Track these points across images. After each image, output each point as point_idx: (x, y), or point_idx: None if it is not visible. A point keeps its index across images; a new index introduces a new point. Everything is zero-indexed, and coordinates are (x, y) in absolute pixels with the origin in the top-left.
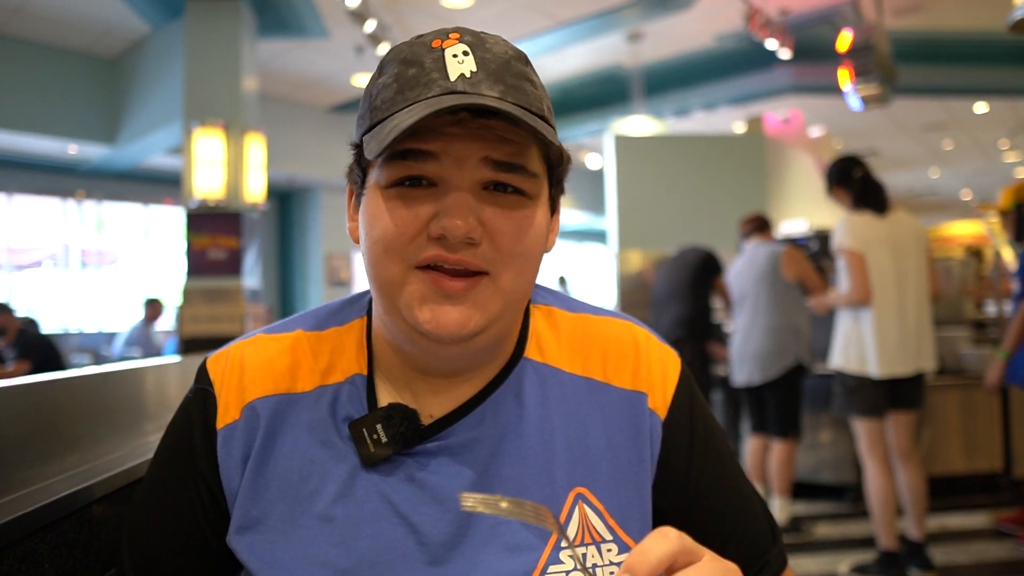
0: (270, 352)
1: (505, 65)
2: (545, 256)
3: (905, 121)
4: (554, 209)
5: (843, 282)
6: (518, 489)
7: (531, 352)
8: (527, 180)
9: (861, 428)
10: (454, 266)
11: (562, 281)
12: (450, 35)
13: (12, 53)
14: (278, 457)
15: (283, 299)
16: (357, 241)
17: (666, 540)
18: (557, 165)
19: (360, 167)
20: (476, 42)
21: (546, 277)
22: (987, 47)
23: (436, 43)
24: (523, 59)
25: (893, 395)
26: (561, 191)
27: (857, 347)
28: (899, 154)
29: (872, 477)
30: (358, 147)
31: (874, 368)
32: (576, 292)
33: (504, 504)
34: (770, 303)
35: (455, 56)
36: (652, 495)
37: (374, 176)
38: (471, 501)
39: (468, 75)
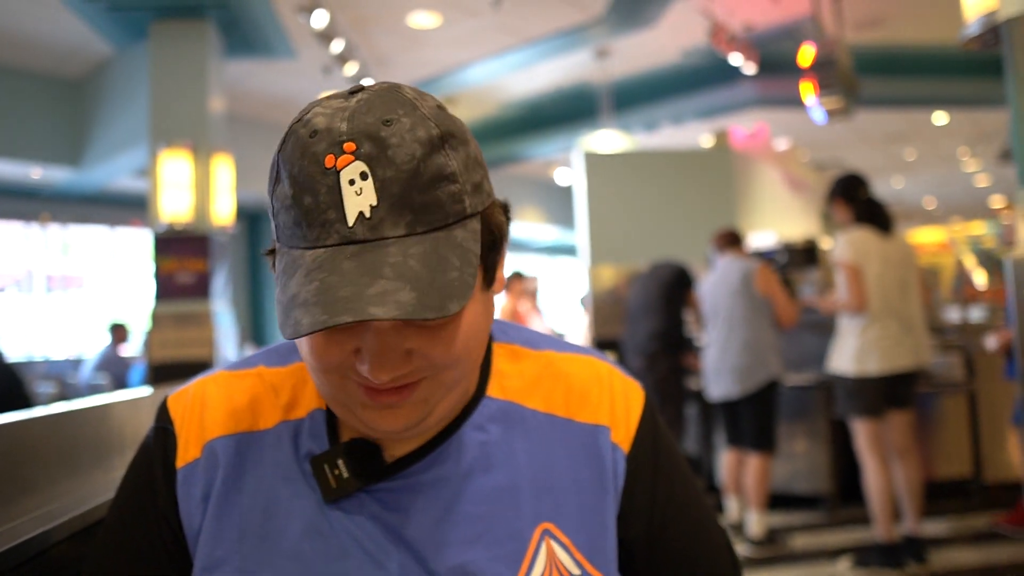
0: (232, 389)
1: (412, 177)
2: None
3: (868, 132)
4: (492, 275)
5: (841, 292)
6: (484, 527)
7: (492, 391)
8: None
9: (860, 428)
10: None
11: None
12: (344, 147)
13: None
14: (241, 496)
15: (254, 322)
16: None
17: None
18: (491, 249)
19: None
20: (375, 152)
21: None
22: (945, 60)
23: (329, 161)
24: (437, 142)
25: (890, 395)
26: (499, 251)
27: (857, 350)
28: (863, 164)
29: (871, 473)
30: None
31: (875, 365)
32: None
33: None
34: (745, 318)
35: (352, 183)
36: (617, 528)
37: None
38: None
39: (368, 213)
